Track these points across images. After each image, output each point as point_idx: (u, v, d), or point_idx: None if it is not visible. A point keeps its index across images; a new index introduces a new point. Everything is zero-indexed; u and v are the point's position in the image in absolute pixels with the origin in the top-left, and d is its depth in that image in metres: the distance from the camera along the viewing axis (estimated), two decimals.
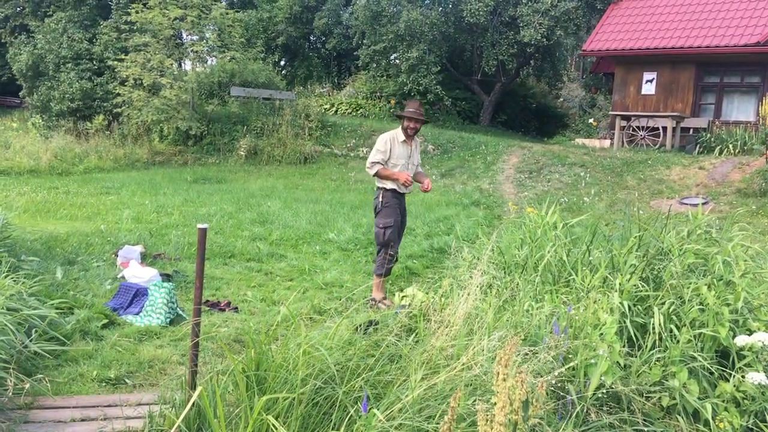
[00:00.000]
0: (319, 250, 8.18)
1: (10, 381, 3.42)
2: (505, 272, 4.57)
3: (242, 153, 17.64)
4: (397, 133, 5.90)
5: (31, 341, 3.88)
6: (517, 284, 4.07)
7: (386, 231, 5.96)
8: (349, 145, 18.41)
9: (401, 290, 6.32)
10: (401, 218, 6.11)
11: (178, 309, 5.24)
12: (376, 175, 5.88)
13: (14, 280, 4.39)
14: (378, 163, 5.83)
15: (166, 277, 6.11)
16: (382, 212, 5.99)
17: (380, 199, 5.98)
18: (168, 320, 5.05)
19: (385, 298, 5.98)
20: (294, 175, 16.23)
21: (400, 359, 3.28)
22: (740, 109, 17.77)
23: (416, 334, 3.53)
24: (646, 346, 3.36)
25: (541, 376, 2.82)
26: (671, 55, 17.92)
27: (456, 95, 23.89)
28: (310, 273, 7.05)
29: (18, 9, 25.22)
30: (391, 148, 5.83)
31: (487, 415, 2.00)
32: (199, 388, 2.45)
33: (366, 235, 8.94)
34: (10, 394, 3.42)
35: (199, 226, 3.13)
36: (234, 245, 7.96)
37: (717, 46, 16.98)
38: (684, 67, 18.14)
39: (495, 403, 2.00)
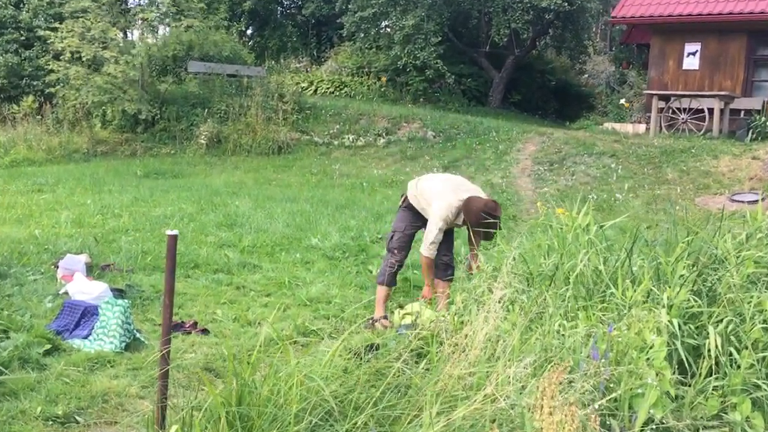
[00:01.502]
0: (300, 258, 8.22)
1: None
2: (529, 285, 4.62)
3: (203, 141, 17.64)
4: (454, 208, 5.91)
5: None
6: (545, 299, 4.12)
7: (394, 235, 6.25)
8: (332, 131, 18.45)
9: (400, 306, 6.36)
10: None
11: (134, 331, 5.25)
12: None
13: None
14: (436, 244, 5.98)
15: (119, 293, 6.12)
16: (399, 215, 6.33)
17: (402, 200, 6.33)
18: (123, 345, 5.06)
19: (385, 317, 6.02)
20: (266, 168, 16.24)
21: (410, 390, 3.32)
22: None
23: (427, 361, 3.57)
24: (701, 373, 3.41)
25: (580, 409, 2.87)
26: (719, 23, 18.08)
27: (460, 71, 23.98)
28: (290, 287, 7.08)
29: None
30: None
31: None
32: (173, 428, 2.48)
33: (356, 240, 8.98)
34: None
35: (168, 232, 3.17)
36: (197, 253, 7.98)
37: None
38: (734, 37, 18.30)
39: None
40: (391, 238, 6.28)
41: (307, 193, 13.37)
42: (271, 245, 8.69)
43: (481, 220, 5.67)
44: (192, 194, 12.14)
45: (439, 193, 5.94)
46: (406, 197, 6.25)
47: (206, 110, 18.42)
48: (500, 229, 5.80)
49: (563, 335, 3.67)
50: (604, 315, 3.91)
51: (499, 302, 3.83)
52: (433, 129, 18.30)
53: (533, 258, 4.98)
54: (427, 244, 5.88)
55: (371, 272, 7.79)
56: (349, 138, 18.08)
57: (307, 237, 9.11)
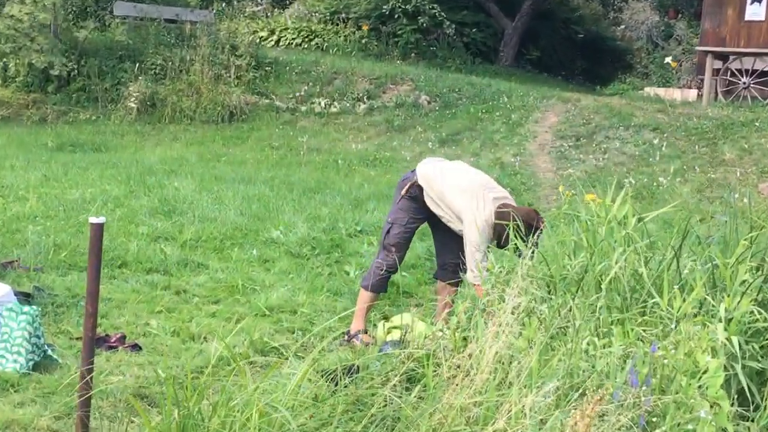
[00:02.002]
0: (258, 256, 8.20)
1: None
2: (550, 291, 4.63)
3: (133, 105, 17.53)
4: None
5: None
6: (571, 310, 4.14)
7: (392, 228, 6.22)
8: (299, 93, 18.42)
9: (386, 318, 6.37)
10: (433, 230, 6.47)
11: (45, 347, 5.23)
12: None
13: None
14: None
15: (25, 298, 6.08)
16: (400, 203, 6.26)
17: (406, 189, 6.20)
18: (31, 364, 5.03)
19: (365, 331, 6.04)
20: (214, 140, 16.16)
21: (398, 424, 3.32)
22: None
23: (421, 387, 3.58)
24: (766, 405, 3.44)
25: None
26: None
27: (462, 19, 23.96)
28: (244, 292, 7.06)
29: None
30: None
31: None
32: None
33: (329, 234, 8.98)
34: None
35: (92, 220, 3.15)
36: (125, 248, 7.94)
37: None
38: None
39: None
40: (388, 231, 6.24)
41: (267, 172, 13.33)
42: (221, 238, 8.66)
43: (507, 235, 5.53)
44: (119, 172, 12.05)
45: (469, 201, 5.84)
46: (414, 184, 6.16)
47: (137, 65, 18.27)
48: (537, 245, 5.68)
49: (593, 356, 3.69)
50: (645, 331, 3.93)
51: (513, 313, 3.85)
52: (428, 93, 18.30)
53: (555, 258, 4.99)
54: (476, 268, 5.60)
55: (348, 274, 7.78)
56: (320, 103, 18.05)
57: (267, 228, 9.08)
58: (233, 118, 17.48)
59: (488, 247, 5.85)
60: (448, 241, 6.16)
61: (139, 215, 9.37)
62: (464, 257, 5.92)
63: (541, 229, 5.70)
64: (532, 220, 5.71)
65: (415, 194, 6.16)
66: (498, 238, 5.79)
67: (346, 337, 6.08)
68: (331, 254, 8.40)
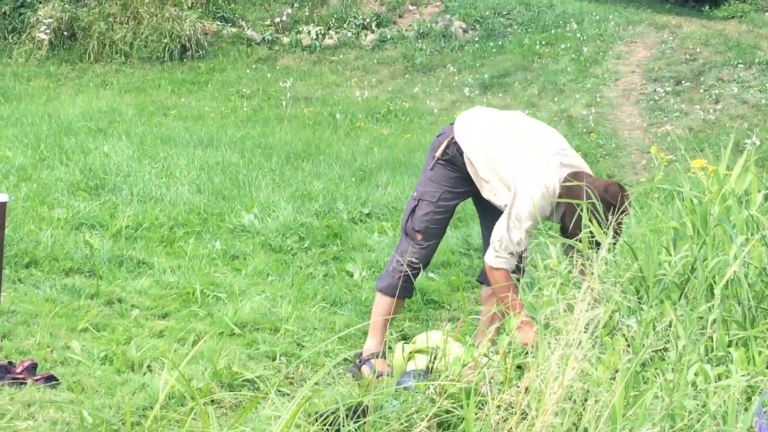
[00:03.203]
0: (223, 250, 8.22)
1: None
2: (641, 300, 4.62)
3: (44, 36, 17.52)
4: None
5: None
6: (671, 325, 4.13)
7: (418, 207, 6.15)
8: (279, 19, 18.40)
9: (405, 338, 6.37)
10: (480, 211, 6.42)
11: None
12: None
13: None
14: (514, 255, 5.79)
15: None
16: (432, 171, 6.17)
17: (442, 149, 6.11)
18: None
19: (382, 355, 6.02)
20: (160, 86, 16.14)
21: None
22: None
23: None
24: None
25: None
26: None
27: None
28: (204, 301, 7.07)
29: None
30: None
31: None
32: None
33: (323, 218, 8.98)
34: None
35: None
36: (35, 240, 7.95)
37: None
38: None
39: None
40: (413, 211, 6.14)
41: (235, 131, 13.32)
42: (170, 226, 8.67)
43: (590, 218, 5.50)
44: (24, 132, 12.07)
45: (526, 163, 5.78)
46: (452, 141, 6.12)
47: None
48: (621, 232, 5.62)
49: (704, 390, 3.69)
50: None
51: (587, 330, 3.84)
52: (464, 17, 18.29)
53: (648, 251, 4.98)
54: (502, 248, 5.71)
55: (352, 276, 7.79)
56: (309, 32, 18.02)
57: (235, 211, 9.09)
58: (186, 54, 17.48)
59: (539, 230, 5.83)
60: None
61: (53, 193, 9.36)
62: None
63: (627, 211, 5.64)
64: (613, 198, 5.58)
65: (454, 155, 6.08)
66: (562, 220, 5.77)
67: (358, 361, 6.08)
68: (328, 248, 8.40)
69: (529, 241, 5.75)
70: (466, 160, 5.99)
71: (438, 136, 6.25)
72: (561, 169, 5.72)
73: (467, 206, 9.46)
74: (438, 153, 6.11)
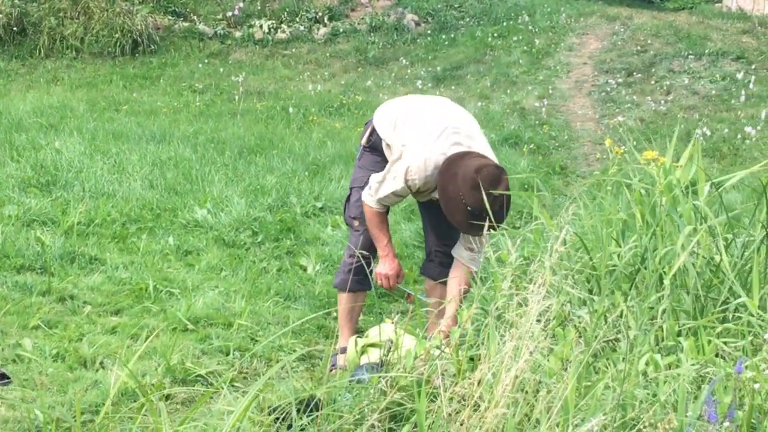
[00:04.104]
0: (176, 245, 8.20)
1: None
2: (592, 290, 4.64)
3: None
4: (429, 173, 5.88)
5: None
6: (622, 316, 4.15)
7: (351, 194, 6.32)
8: (231, 13, 18.36)
9: (359, 332, 6.37)
10: (423, 209, 6.50)
11: None
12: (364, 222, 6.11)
13: None
14: (382, 205, 6.03)
15: None
16: (361, 159, 6.41)
17: (366, 136, 6.33)
18: None
19: (343, 350, 6.06)
20: (111, 81, 16.05)
21: None
22: None
23: (411, 427, 3.57)
24: None
25: None
26: None
27: None
28: (157, 297, 7.07)
29: None
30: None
31: None
32: None
33: (276, 212, 8.99)
34: None
35: None
36: None
37: None
38: None
39: None
40: (347, 200, 6.36)
41: (187, 126, 13.27)
42: (122, 222, 8.64)
43: (462, 203, 5.61)
44: None
45: (420, 138, 5.90)
46: (373, 130, 6.26)
47: None
48: (499, 223, 5.66)
49: (655, 380, 3.70)
50: (726, 344, 3.94)
51: (540, 321, 3.85)
52: (416, 10, 18.30)
53: (599, 242, 5.01)
54: (373, 190, 5.93)
55: (305, 270, 7.79)
56: (261, 26, 17.98)
57: (188, 206, 9.06)
58: (138, 49, 17.40)
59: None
60: (436, 219, 6.14)
61: (4, 190, 9.30)
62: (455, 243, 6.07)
63: (501, 200, 5.64)
64: (485, 180, 5.56)
65: (376, 140, 6.23)
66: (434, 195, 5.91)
67: (335, 354, 6.17)
68: (281, 242, 8.40)
69: (398, 199, 6.03)
70: (385, 150, 6.13)
71: (365, 125, 6.42)
72: (451, 147, 5.79)
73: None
74: (363, 140, 6.35)
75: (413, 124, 5.99)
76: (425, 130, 5.89)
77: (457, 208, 5.61)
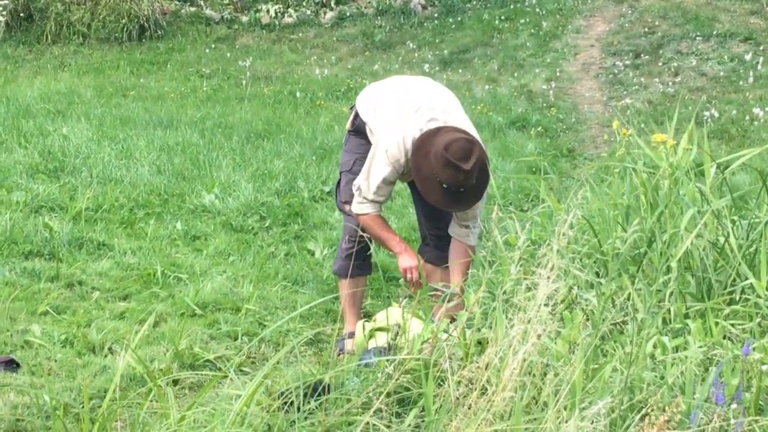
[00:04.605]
0: (184, 231, 8.21)
1: None
2: (599, 274, 4.64)
3: (0, 19, 17.38)
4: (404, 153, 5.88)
5: None
6: (629, 299, 4.14)
7: (341, 179, 6.33)
8: None
9: (366, 316, 6.38)
10: (413, 192, 6.46)
11: None
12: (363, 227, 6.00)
13: None
14: (376, 202, 5.98)
15: None
16: (347, 143, 6.41)
17: (350, 120, 6.37)
18: None
19: (350, 335, 6.06)
20: (119, 67, 16.04)
21: None
22: None
23: (418, 411, 3.58)
24: None
25: None
26: None
27: None
28: (165, 283, 7.08)
29: None
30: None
31: None
32: None
33: (284, 197, 8.98)
34: None
35: None
36: None
37: None
38: None
39: None
40: (338, 185, 6.40)
41: (194, 111, 13.27)
42: (130, 207, 8.65)
43: (437, 181, 5.61)
44: None
45: (396, 118, 5.91)
46: (357, 114, 6.27)
47: None
48: (478, 197, 5.74)
49: (662, 362, 3.70)
50: (734, 326, 3.94)
51: (547, 305, 3.85)
52: None
53: (606, 226, 5.00)
54: (361, 195, 5.91)
55: (313, 254, 7.79)
56: (268, 10, 17.96)
57: (196, 191, 9.07)
58: (145, 34, 17.39)
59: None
60: (422, 202, 6.15)
61: (12, 176, 9.32)
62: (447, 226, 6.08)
63: (471, 172, 5.57)
64: (453, 155, 5.52)
65: (359, 124, 6.25)
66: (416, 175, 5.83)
67: (341, 339, 6.20)
68: (289, 227, 8.41)
69: (390, 188, 5.97)
70: (367, 129, 6.15)
71: (350, 109, 6.47)
72: (427, 123, 5.77)
73: None
74: (348, 125, 6.41)
75: (390, 106, 6.02)
76: (401, 111, 5.92)
77: (432, 186, 5.63)
